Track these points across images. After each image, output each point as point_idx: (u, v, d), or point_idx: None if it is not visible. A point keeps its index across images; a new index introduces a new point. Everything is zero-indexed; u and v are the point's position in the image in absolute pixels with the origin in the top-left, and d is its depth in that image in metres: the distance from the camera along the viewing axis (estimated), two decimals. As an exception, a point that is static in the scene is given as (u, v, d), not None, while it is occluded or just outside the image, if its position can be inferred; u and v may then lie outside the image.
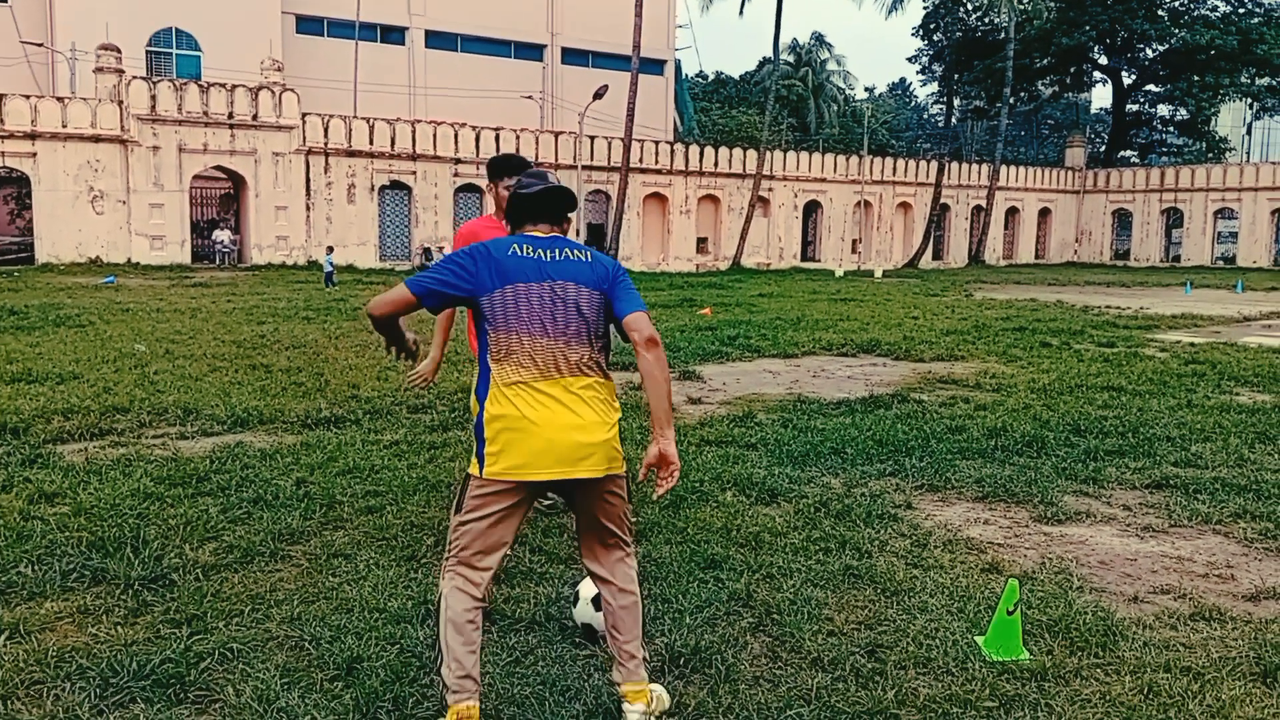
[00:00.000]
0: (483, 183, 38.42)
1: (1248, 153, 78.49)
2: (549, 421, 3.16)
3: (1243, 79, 58.41)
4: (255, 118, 34.10)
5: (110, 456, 6.87)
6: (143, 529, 5.14)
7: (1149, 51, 62.12)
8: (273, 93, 34.44)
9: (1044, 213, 57.61)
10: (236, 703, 3.40)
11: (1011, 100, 58.20)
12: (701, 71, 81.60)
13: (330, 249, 30.57)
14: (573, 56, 52.33)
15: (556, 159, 39.59)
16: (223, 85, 33.94)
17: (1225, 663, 3.88)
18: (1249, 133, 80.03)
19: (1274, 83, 59.19)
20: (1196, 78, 57.16)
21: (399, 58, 47.90)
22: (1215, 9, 58.52)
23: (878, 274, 41.16)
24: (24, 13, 39.08)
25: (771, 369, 12.33)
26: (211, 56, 41.49)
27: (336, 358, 12.06)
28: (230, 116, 33.69)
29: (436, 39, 48.66)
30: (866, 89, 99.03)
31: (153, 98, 32.52)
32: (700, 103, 69.71)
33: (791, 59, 72.36)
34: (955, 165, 53.90)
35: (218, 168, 34.60)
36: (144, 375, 10.31)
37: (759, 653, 3.94)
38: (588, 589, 3.92)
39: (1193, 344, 15.24)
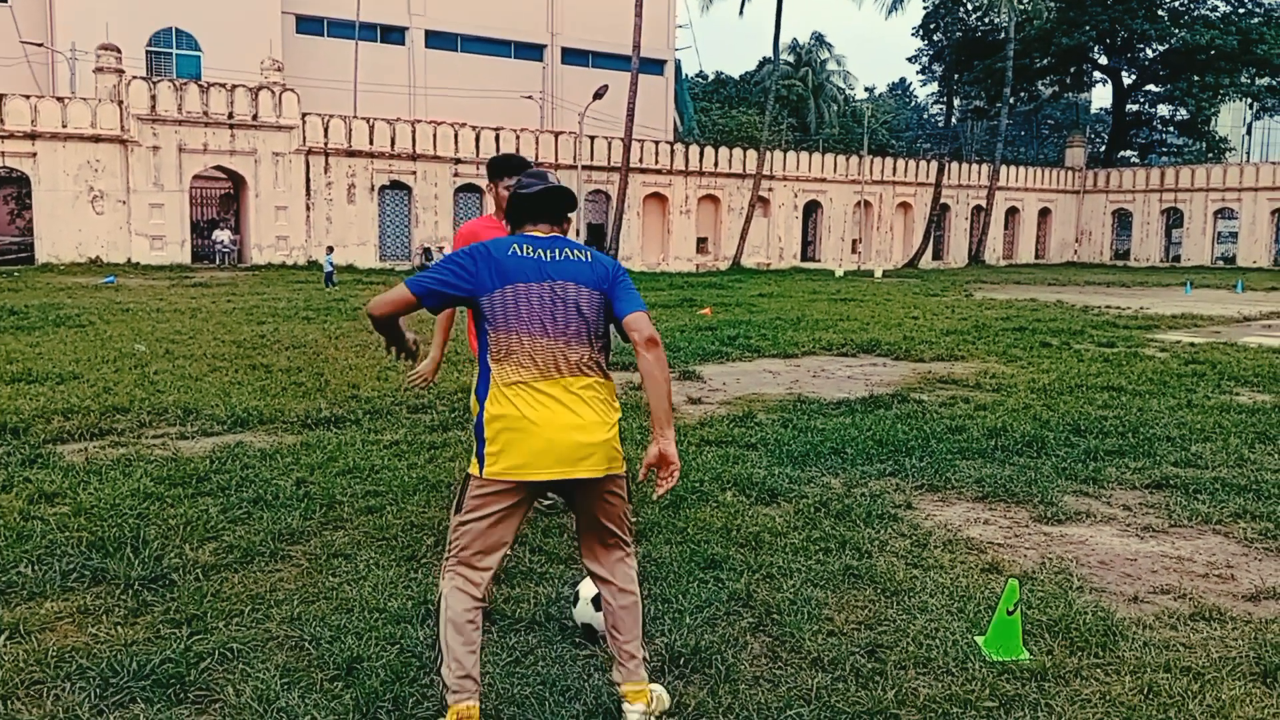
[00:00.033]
0: (483, 183, 38.40)
1: (1248, 153, 78.51)
2: (549, 421, 3.16)
3: (1243, 79, 58.42)
4: (255, 118, 34.10)
5: (110, 456, 6.87)
6: (143, 529, 5.14)
7: (1149, 51, 62.13)
8: (273, 93, 34.44)
9: (1044, 213, 57.61)
10: (236, 703, 3.40)
11: (1011, 100, 58.20)
12: (701, 71, 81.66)
13: (330, 249, 30.58)
14: (573, 56, 52.33)
15: (556, 159, 39.60)
16: (223, 85, 33.95)
17: (1225, 663, 3.88)
18: (1249, 133, 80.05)
19: (1274, 83, 59.19)
20: (1196, 78, 57.17)
21: (399, 58, 47.91)
22: (1215, 9, 58.54)
23: (878, 274, 41.17)
24: (24, 12, 39.09)
25: (771, 369, 12.33)
26: (211, 56, 41.50)
27: (336, 358, 12.06)
28: (230, 116, 33.69)
29: (436, 39, 48.66)
30: (866, 89, 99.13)
31: (153, 98, 32.52)
32: (700, 103, 69.73)
33: (791, 59, 72.37)
34: (955, 165, 53.90)
35: (218, 168, 34.61)
36: (144, 375, 10.31)
37: (759, 653, 3.94)
38: (588, 589, 3.92)
39: (1193, 344, 15.25)
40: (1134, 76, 64.29)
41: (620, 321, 3.28)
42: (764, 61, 72.44)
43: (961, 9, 65.19)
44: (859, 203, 49.37)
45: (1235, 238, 54.42)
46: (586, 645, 3.95)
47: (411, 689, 3.52)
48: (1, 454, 6.80)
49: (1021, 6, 54.23)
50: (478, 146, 38.43)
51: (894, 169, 51.17)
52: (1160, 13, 57.75)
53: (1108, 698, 3.59)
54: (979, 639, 4.01)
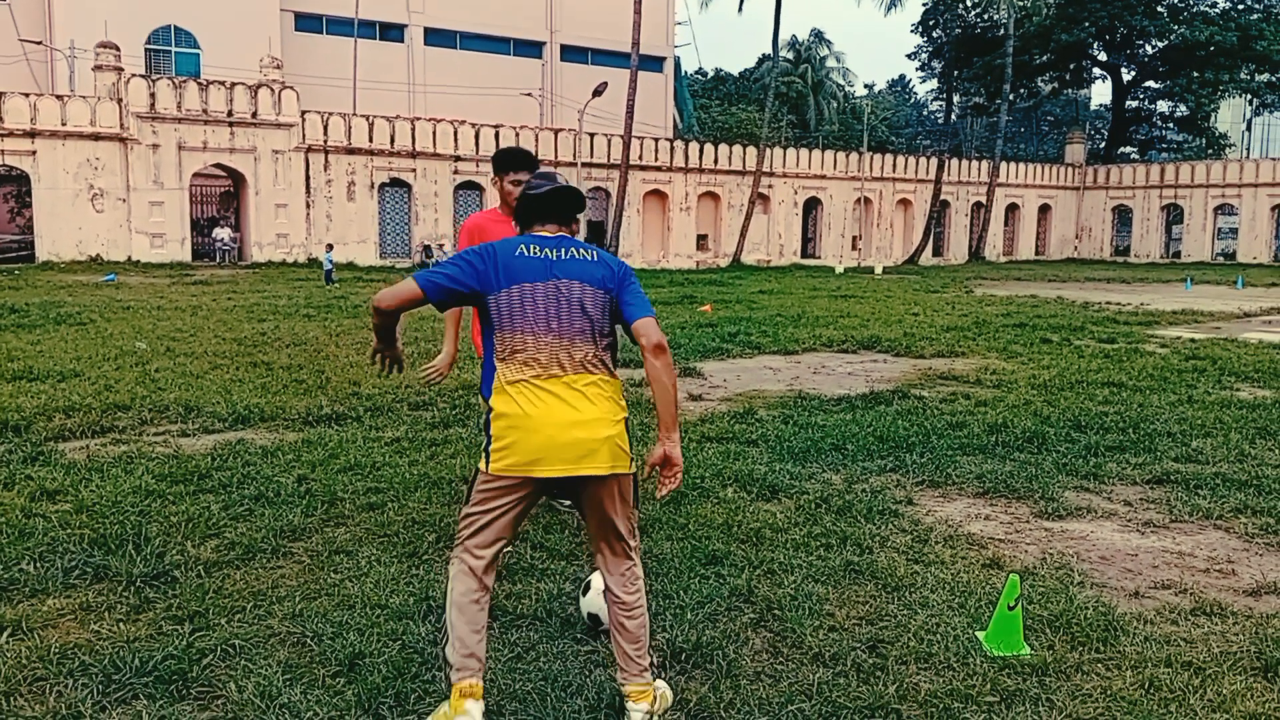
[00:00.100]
0: (482, 180, 38.45)
1: (1247, 149, 78.46)
2: (551, 419, 3.18)
3: (1242, 75, 58.37)
4: (255, 115, 34.09)
5: (112, 454, 6.87)
6: (144, 526, 5.14)
7: (1148, 48, 62.09)
8: (272, 90, 34.43)
9: (1044, 209, 57.61)
10: (239, 699, 3.41)
11: (1011, 97, 58.19)
12: (701, 68, 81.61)
13: (330, 246, 30.57)
14: (572, 54, 52.31)
15: (556, 156, 39.58)
16: (222, 83, 33.93)
17: (1226, 657, 3.89)
18: (1249, 129, 79.96)
19: (1273, 79, 59.16)
20: (1196, 74, 57.14)
21: (398, 55, 47.89)
22: (1214, 5, 58.54)
23: (878, 271, 41.16)
24: (23, 11, 39.07)
25: (772, 365, 12.33)
26: (210, 54, 41.49)
27: (337, 355, 12.06)
28: (230, 114, 33.68)
29: (436, 36, 48.64)
30: (866, 86, 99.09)
31: (152, 95, 32.50)
32: (700, 100, 69.74)
33: (791, 56, 72.35)
34: (955, 162, 53.90)
35: (217, 165, 34.60)
36: (145, 373, 10.31)
37: (760, 648, 3.94)
38: (599, 580, 3.94)
39: (1193, 340, 15.25)
40: (1134, 73, 64.26)
41: (629, 326, 3.32)
42: (763, 58, 72.45)
43: (961, 5, 65.22)
44: (859, 199, 49.37)
45: (1235, 234, 54.43)
46: (588, 641, 3.95)
47: (413, 684, 3.52)
48: (3, 452, 6.81)
49: (1021, 3, 54.21)
50: (477, 144, 38.42)
51: (894, 166, 51.15)
52: (1159, 9, 57.72)
53: (1109, 692, 3.60)
54: (980, 634, 4.02)
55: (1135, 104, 67.15)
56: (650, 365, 3.27)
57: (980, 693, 3.56)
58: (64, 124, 31.42)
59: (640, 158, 42.13)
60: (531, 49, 51.53)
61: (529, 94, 47.16)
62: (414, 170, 37.59)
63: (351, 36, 44.11)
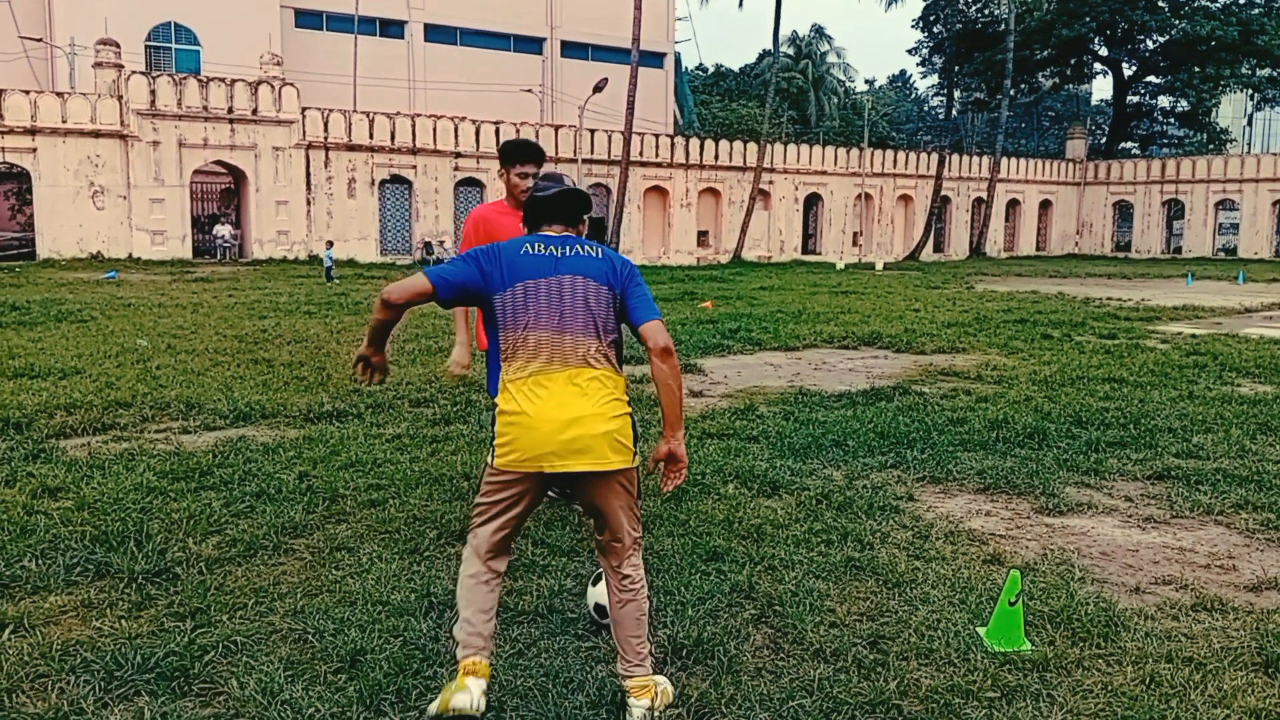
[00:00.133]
0: (483, 176, 38.45)
1: (1248, 144, 78.39)
2: (550, 415, 3.22)
3: (1243, 70, 58.32)
4: (255, 112, 34.07)
5: (113, 451, 6.87)
6: (146, 523, 5.15)
7: (1149, 43, 62.04)
8: (272, 87, 34.41)
9: (1045, 205, 57.56)
10: (240, 695, 3.41)
11: (1012, 92, 58.12)
12: (701, 64, 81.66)
13: (330, 243, 30.54)
14: (572, 50, 52.25)
15: (557, 152, 39.56)
16: (222, 80, 33.91)
17: (1227, 653, 3.89)
18: (1250, 124, 79.92)
19: (1275, 74, 59.12)
20: (1197, 69, 57.08)
21: (398, 51, 47.84)
22: (1215, 0, 58.44)
23: (879, 266, 41.14)
24: (23, 8, 39.04)
25: (773, 362, 12.33)
26: (211, 51, 41.45)
27: (338, 352, 12.06)
28: (230, 111, 33.66)
29: (436, 32, 48.58)
30: (867, 81, 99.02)
31: (152, 93, 32.48)
32: (700, 96, 69.66)
33: (791, 51, 72.28)
34: (956, 157, 53.85)
35: (218, 162, 34.58)
36: (146, 370, 10.32)
37: (761, 644, 3.95)
38: None
39: (1194, 335, 15.24)
40: (1134, 68, 64.19)
41: (636, 329, 3.39)
42: (764, 54, 72.37)
43: (961, 1, 65.09)
44: (860, 195, 49.33)
45: (1236, 229, 54.37)
46: (590, 637, 3.96)
47: (415, 681, 3.53)
48: (5, 449, 6.81)
49: (1022, -2, 54.19)
50: (478, 140, 38.40)
51: (894, 161, 51.10)
52: (1160, 4, 57.64)
53: (1109, 688, 3.60)
54: (981, 630, 4.02)
55: (1136, 99, 67.09)
56: (657, 368, 3.34)
57: (981, 688, 3.56)
58: (64, 121, 31.40)
59: (641, 154, 42.10)
60: (532, 45, 51.49)
61: (529, 90, 47.13)
62: (414, 167, 37.57)
63: (352, 33, 44.08)
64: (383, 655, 3.71)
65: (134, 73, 32.97)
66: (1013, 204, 56.00)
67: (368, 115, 36.74)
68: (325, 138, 35.57)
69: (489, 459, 3.37)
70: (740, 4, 48.62)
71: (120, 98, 32.20)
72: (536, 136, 39.32)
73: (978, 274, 36.03)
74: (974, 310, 19.23)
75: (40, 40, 39.06)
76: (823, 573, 4.67)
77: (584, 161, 40.17)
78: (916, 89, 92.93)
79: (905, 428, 7.88)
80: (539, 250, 3.36)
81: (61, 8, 39.25)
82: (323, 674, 3.60)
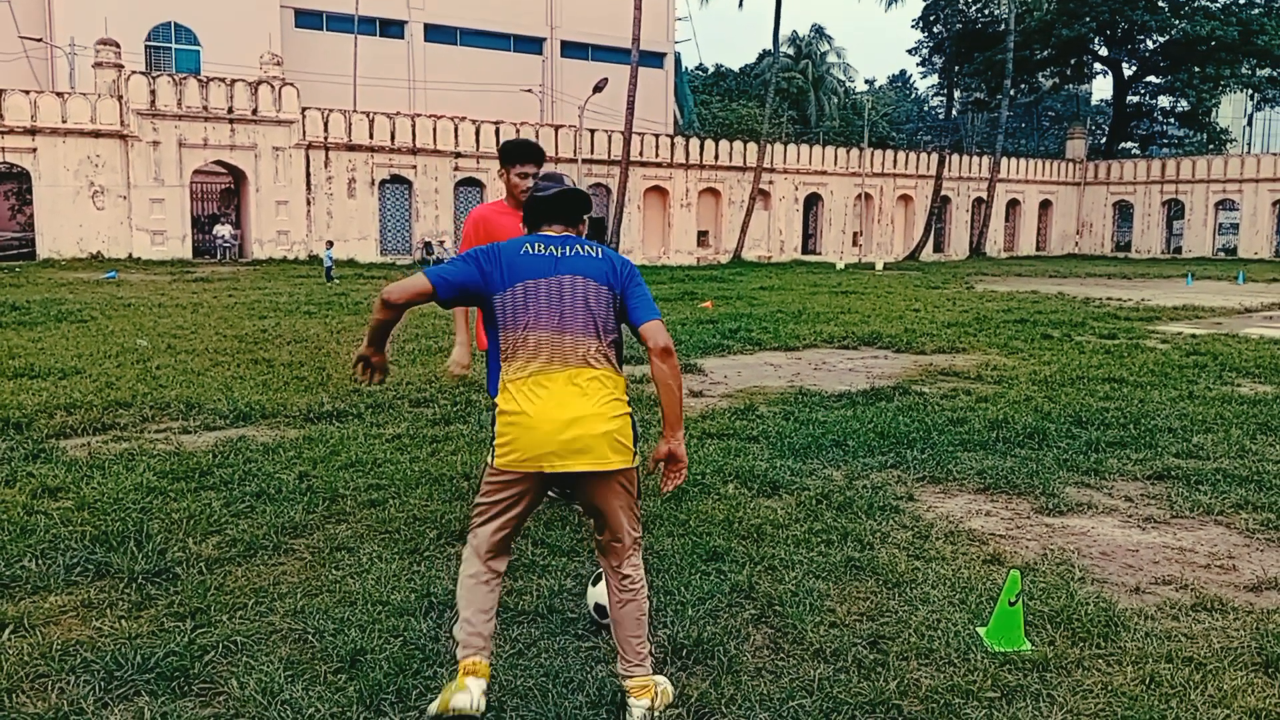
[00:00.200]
0: (483, 176, 38.45)
1: (1248, 144, 78.38)
2: (548, 415, 3.22)
3: (1243, 70, 58.33)
4: (255, 112, 34.07)
5: (113, 451, 6.87)
6: (146, 523, 5.15)
7: (1149, 43, 62.04)
8: (272, 87, 34.41)
9: (1045, 205, 57.56)
10: (240, 695, 3.41)
11: (1012, 92, 58.12)
12: (701, 64, 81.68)
13: (330, 243, 30.54)
14: (572, 50, 52.25)
15: (556, 153, 39.56)
16: (222, 80, 33.91)
17: (1227, 653, 3.89)
18: (1250, 124, 79.92)
19: (1275, 73, 59.12)
20: (1197, 69, 57.08)
21: (398, 51, 47.84)
22: (1215, 0, 58.46)
23: (879, 267, 41.14)
24: (23, 8, 39.04)
25: (773, 362, 12.33)
26: (211, 51, 41.46)
27: (338, 352, 12.06)
28: (230, 111, 33.66)
29: (436, 32, 48.58)
30: (867, 81, 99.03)
31: (152, 92, 32.48)
32: (700, 96, 69.65)
33: (791, 51, 72.28)
34: (956, 157, 53.84)
35: (218, 162, 34.58)
36: (146, 370, 10.32)
37: (761, 644, 3.95)
38: None
39: (1194, 335, 15.24)
40: (1134, 68, 64.19)
41: (636, 329, 3.39)
42: (764, 54, 72.37)
43: (961, 0, 65.08)
44: (860, 195, 49.33)
45: (1236, 229, 54.37)
46: (590, 637, 3.96)
47: (415, 681, 3.53)
48: (5, 449, 6.81)
49: (1022, -2, 54.18)
50: (478, 140, 38.40)
51: (894, 161, 51.10)
52: (1160, 4, 57.65)
53: (1109, 688, 3.60)
54: (981, 630, 4.02)
55: (1136, 99, 67.10)
56: (657, 368, 3.34)
57: (981, 688, 3.56)
58: (64, 121, 31.40)
59: (641, 154, 42.10)
60: (532, 45, 51.49)
61: (529, 90, 47.12)
62: (414, 167, 37.57)
63: (352, 33, 44.08)
64: (383, 655, 3.70)
65: (134, 73, 32.96)
66: (1013, 204, 56.00)
67: (368, 115, 36.74)
68: (325, 138, 35.57)
69: (489, 459, 3.38)
70: (740, 4, 48.64)
71: (120, 98, 32.20)
72: (536, 136, 39.31)
73: (978, 274, 36.03)
74: (974, 310, 19.23)
75: (40, 40, 39.06)
76: (823, 573, 4.67)
77: (584, 161, 40.17)
78: (916, 89, 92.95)
79: (905, 428, 7.89)
80: (539, 250, 3.36)
81: (61, 8, 39.25)
82: (323, 674, 3.60)
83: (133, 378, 9.78)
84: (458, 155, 38.22)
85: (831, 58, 75.40)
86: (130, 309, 17.28)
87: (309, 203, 35.43)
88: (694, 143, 44.87)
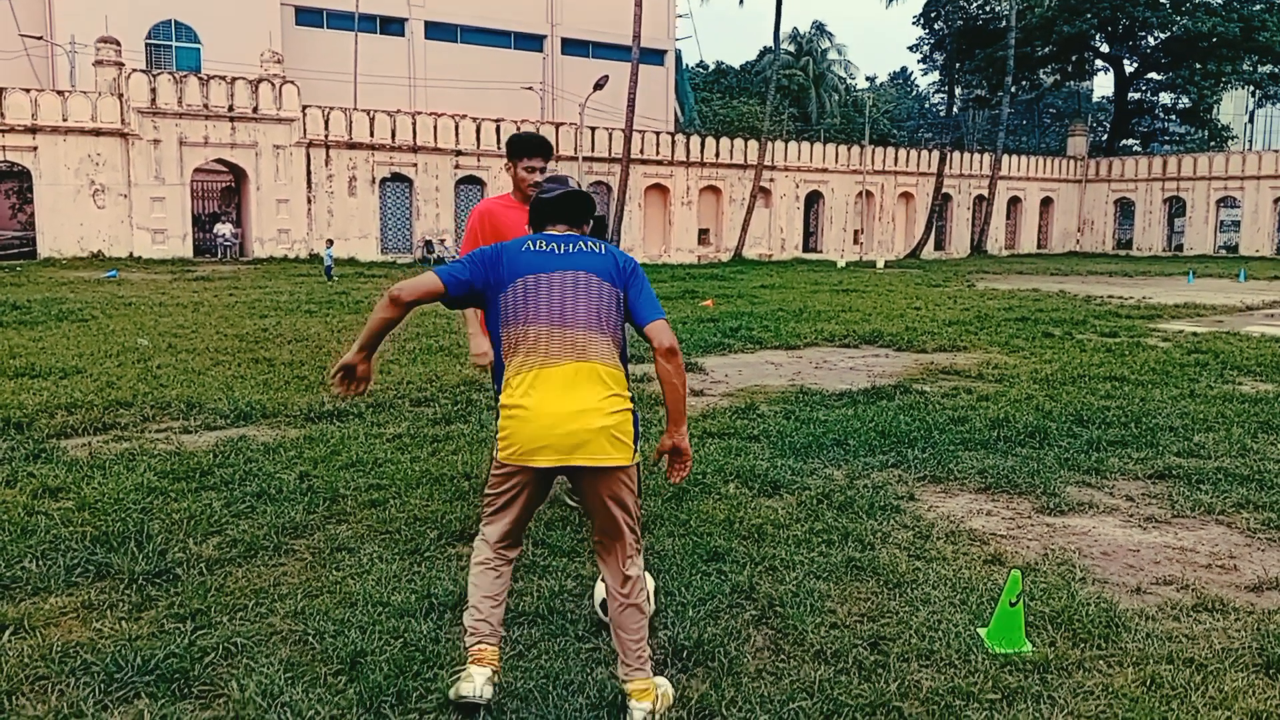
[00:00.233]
0: (484, 174, 38.42)
1: (1250, 141, 78.16)
2: (546, 409, 3.24)
3: (1245, 66, 58.29)
4: (255, 110, 34.06)
5: (114, 451, 6.87)
6: (146, 523, 5.15)
7: (1151, 39, 61.97)
8: (273, 85, 34.39)
9: (1046, 202, 57.50)
10: (240, 697, 3.41)
11: (1013, 89, 58.06)
12: (702, 61, 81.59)
13: (330, 242, 30.53)
14: (573, 47, 52.22)
15: (557, 150, 39.50)
16: (223, 78, 33.89)
17: (1228, 654, 3.88)
18: (1251, 121, 79.69)
19: (1276, 70, 59.04)
20: (1198, 65, 57.02)
21: (399, 49, 47.81)
22: (1217, -4, 58.43)
23: (880, 265, 41.11)
24: (23, 6, 39.02)
25: (774, 360, 12.32)
26: (211, 49, 41.44)
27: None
28: (230, 109, 33.64)
29: (436, 30, 48.55)
30: (868, 78, 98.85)
31: (153, 91, 32.46)
32: (701, 93, 69.57)
33: (792, 48, 72.20)
34: (957, 155, 53.79)
35: (219, 161, 34.56)
36: (147, 369, 10.32)
37: (762, 645, 3.94)
38: None
39: (1195, 333, 15.23)
40: (1136, 64, 64.12)
41: (641, 329, 3.43)
42: (765, 51, 72.30)
43: (962, -2, 65.02)
44: (861, 193, 49.30)
45: (1238, 226, 54.30)
46: (590, 639, 3.95)
47: (415, 683, 3.52)
48: (5, 449, 6.81)
49: (1023, -5, 54.11)
50: (478, 138, 38.37)
51: (896, 159, 51.05)
52: (1161, 0, 57.57)
53: (1110, 689, 3.59)
54: (981, 631, 4.02)
55: (1137, 96, 67.03)
56: (661, 368, 3.37)
57: (982, 690, 3.56)
58: (65, 119, 31.38)
59: (641, 151, 42.07)
60: (532, 42, 51.46)
61: (530, 88, 47.10)
62: (415, 165, 37.55)
63: (352, 30, 44.05)
64: (383, 657, 3.70)
65: (134, 71, 32.93)
66: (1014, 201, 55.94)
67: (368, 113, 36.72)
68: (326, 136, 35.55)
69: (495, 452, 3.42)
70: (741, 1, 48.62)
71: (121, 96, 32.18)
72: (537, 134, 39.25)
73: (979, 272, 36.01)
74: (975, 308, 19.22)
75: (41, 38, 39.05)
76: (823, 573, 4.67)
77: (585, 159, 40.15)
78: (917, 86, 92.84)
79: (906, 427, 7.88)
80: (541, 247, 3.40)
81: (62, 6, 39.23)
82: (323, 676, 3.59)
83: (133, 377, 9.78)
84: (458, 153, 38.20)
85: (832, 55, 75.35)
86: (131, 308, 17.28)
87: (309, 201, 35.42)
88: (695, 140, 44.83)
